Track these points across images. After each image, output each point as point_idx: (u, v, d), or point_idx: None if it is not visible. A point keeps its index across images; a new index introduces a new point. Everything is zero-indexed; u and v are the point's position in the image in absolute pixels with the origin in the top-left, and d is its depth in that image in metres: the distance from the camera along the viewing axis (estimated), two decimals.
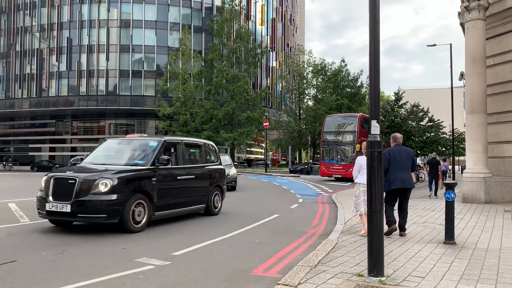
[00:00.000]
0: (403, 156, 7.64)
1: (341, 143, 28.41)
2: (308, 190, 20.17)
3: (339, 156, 28.38)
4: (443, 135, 34.23)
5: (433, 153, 25.24)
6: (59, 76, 56.13)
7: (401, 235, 7.71)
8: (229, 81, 45.78)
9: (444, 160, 25.26)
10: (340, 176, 27.73)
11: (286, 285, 4.49)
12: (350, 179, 26.18)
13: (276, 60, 68.06)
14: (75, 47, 55.23)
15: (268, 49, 61.11)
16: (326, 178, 28.39)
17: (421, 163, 43.21)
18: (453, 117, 28.51)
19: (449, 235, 6.93)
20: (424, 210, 11.65)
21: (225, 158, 18.59)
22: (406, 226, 7.93)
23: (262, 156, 68.34)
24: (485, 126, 14.08)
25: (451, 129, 30.45)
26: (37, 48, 57.44)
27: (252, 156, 71.05)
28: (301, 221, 10.03)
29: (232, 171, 18.31)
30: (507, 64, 14.31)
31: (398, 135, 8.04)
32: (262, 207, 12.97)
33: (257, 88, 55.77)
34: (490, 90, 14.55)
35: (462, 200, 13.72)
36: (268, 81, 64.67)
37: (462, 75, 25.82)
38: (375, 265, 4.84)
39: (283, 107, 57.78)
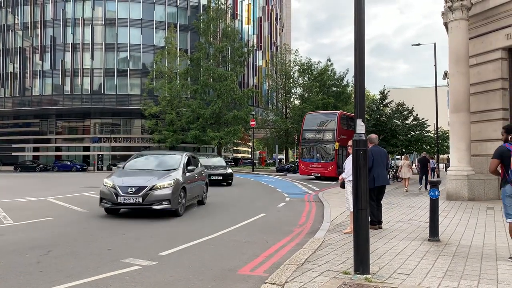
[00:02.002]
0: (382, 155, 8.37)
1: (320, 141, 27.74)
2: (295, 188, 20.24)
3: (318, 154, 27.70)
4: (427, 134, 34.61)
5: (423, 152, 25.84)
6: (43, 75, 55.27)
7: (379, 227, 8.18)
8: (216, 80, 45.65)
9: (432, 158, 25.80)
10: (319, 174, 27.13)
11: (273, 283, 4.51)
12: (330, 178, 25.85)
13: (262, 59, 68.04)
14: (59, 46, 54.45)
15: (255, 48, 61.05)
16: (312, 177, 28.21)
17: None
18: (437, 115, 28.83)
19: (434, 233, 7.04)
20: (409, 208, 11.79)
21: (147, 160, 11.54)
22: (392, 224, 8.17)
23: (249, 155, 68.32)
24: (469, 125, 14.30)
25: (435, 128, 30.79)
26: (20, 47, 56.46)
27: (239, 155, 70.98)
28: (288, 219, 10.06)
29: (162, 182, 9.78)
30: (489, 63, 14.54)
31: (373, 136, 8.60)
32: (249, 206, 12.98)
33: (243, 87, 55.69)
34: (473, 89, 14.78)
35: (446, 198, 13.91)
36: (254, 80, 64.63)
37: (446, 74, 26.20)
38: (361, 262, 4.89)
39: (269, 106, 57.77)
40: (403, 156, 28.24)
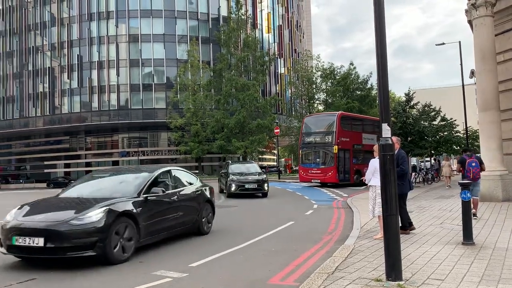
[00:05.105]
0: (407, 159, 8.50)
1: (319, 144, 25.98)
2: (322, 195, 20.02)
3: (318, 159, 26.00)
4: (456, 134, 33.78)
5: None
6: (71, 93, 56.95)
7: (411, 230, 8.13)
8: (239, 90, 45.97)
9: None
10: (319, 180, 25.58)
11: None
12: (333, 185, 24.87)
13: (284, 67, 68.13)
14: (85, 64, 56.05)
15: (276, 56, 61.24)
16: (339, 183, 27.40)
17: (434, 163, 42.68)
18: (466, 115, 28.14)
19: (467, 236, 6.84)
20: (440, 211, 11.52)
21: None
22: (423, 228, 8.11)
23: (275, 163, 68.23)
24: (499, 123, 13.89)
25: (464, 128, 30.03)
26: (48, 67, 58.44)
27: (265, 163, 70.98)
28: (317, 227, 9.97)
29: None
30: None
31: (398, 138, 8.52)
32: (277, 214, 12.93)
33: (266, 95, 55.85)
34: (502, 87, 14.38)
35: (479, 199, 13.51)
36: (277, 88, 64.71)
37: (472, 73, 25.52)
38: (393, 269, 4.80)
39: (293, 113, 57.67)
40: (444, 157, 27.91)
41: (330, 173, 24.82)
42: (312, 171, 26.07)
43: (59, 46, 57.71)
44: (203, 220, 9.20)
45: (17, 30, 60.84)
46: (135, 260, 6.79)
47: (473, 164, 9.90)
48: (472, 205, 8.80)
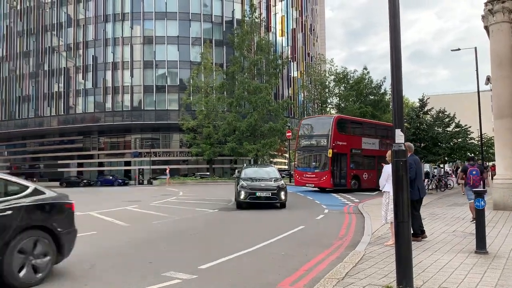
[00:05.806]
0: (420, 165, 8.40)
1: (314, 148, 25.44)
2: (333, 200, 19.88)
3: (313, 163, 25.57)
4: (471, 141, 33.39)
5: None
6: (86, 94, 57.60)
7: (423, 238, 8.07)
8: (251, 93, 46.02)
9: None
10: (313, 185, 24.97)
11: None
12: (327, 189, 24.19)
13: (297, 70, 68.08)
14: (100, 65, 56.65)
15: (289, 59, 61.21)
16: (349, 187, 26.88)
17: (449, 170, 42.22)
18: (481, 121, 27.80)
19: (481, 244, 6.74)
20: (453, 219, 11.37)
21: None
22: (436, 236, 8.02)
23: (286, 166, 68.11)
24: None
25: (479, 135, 29.66)
26: (64, 67, 59.19)
27: (276, 167, 70.85)
28: (328, 232, 9.92)
29: None
30: None
31: (411, 144, 8.46)
32: (287, 218, 12.89)
33: (279, 99, 55.83)
34: None
35: (493, 208, 13.33)
36: (289, 91, 64.68)
37: (488, 79, 25.19)
38: (404, 276, 4.74)
39: (305, 116, 57.56)
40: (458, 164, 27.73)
41: (324, 178, 24.14)
42: (307, 175, 25.44)
43: (74, 47, 58.45)
44: (19, 262, 5.16)
45: (34, 30, 61.77)
46: (145, 261, 6.82)
47: (474, 172, 10.77)
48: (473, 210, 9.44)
